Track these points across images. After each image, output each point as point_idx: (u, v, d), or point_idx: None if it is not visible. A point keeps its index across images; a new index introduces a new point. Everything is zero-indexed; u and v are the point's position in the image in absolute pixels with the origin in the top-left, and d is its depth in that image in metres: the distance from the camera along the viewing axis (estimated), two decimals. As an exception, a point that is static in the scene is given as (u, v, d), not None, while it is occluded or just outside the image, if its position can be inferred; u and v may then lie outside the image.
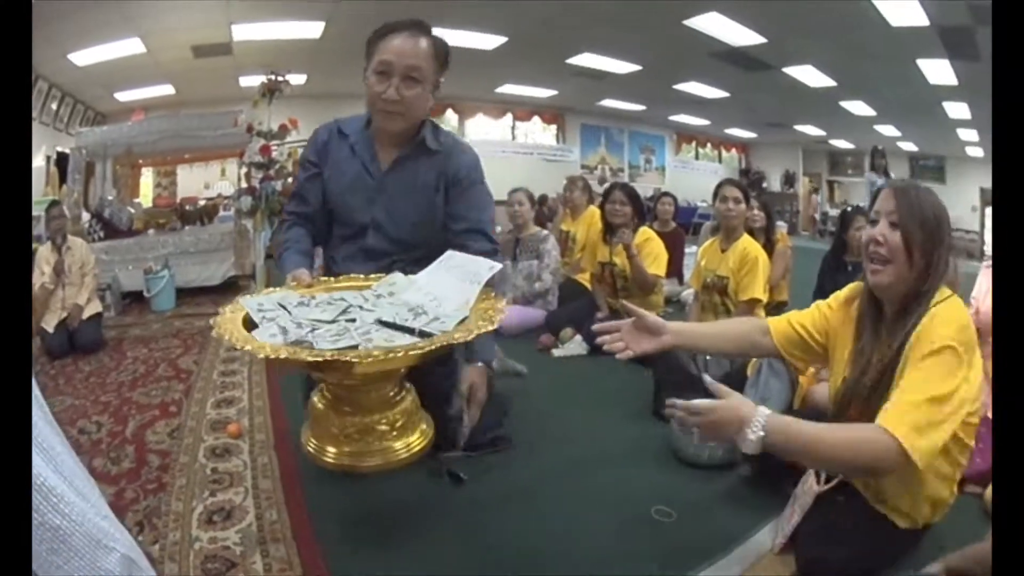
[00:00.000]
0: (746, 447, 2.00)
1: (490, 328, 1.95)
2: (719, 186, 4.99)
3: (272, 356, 1.75)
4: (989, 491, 3.10)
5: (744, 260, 4.70)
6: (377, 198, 2.91)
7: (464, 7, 9.62)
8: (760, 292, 4.67)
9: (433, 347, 1.80)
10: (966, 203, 19.64)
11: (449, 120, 16.44)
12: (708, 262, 4.94)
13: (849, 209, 5.74)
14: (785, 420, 2.01)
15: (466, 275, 2.26)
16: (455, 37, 10.55)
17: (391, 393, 2.07)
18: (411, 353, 1.79)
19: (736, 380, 3.83)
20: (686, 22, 9.92)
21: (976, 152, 19.04)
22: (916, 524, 2.39)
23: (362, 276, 2.54)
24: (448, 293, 2.19)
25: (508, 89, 15.24)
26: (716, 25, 10.06)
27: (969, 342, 2.05)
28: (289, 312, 2.08)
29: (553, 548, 2.69)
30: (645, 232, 5.64)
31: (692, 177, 20.63)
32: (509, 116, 17.18)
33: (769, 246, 5.87)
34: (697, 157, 22.56)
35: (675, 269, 6.99)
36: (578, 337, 5.30)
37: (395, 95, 2.66)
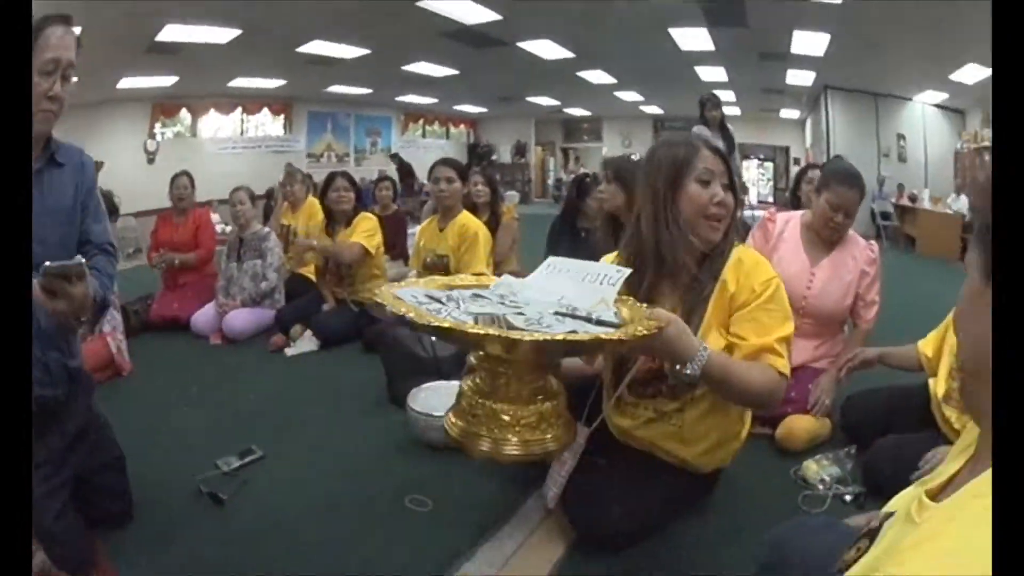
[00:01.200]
0: (688, 369, 2.06)
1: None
2: (432, 167, 5.02)
3: (511, 337, 1.63)
4: (778, 431, 3.42)
5: (463, 237, 4.78)
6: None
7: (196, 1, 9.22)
8: (482, 267, 4.71)
9: (614, 337, 1.75)
10: None
11: (184, 119, 15.70)
12: (427, 242, 4.97)
13: (588, 178, 5.91)
14: (721, 354, 2.19)
15: (588, 277, 2.15)
16: (191, 33, 10.22)
17: (541, 384, 1.94)
18: (599, 339, 1.75)
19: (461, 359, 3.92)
20: (419, 3, 9.84)
21: (731, 111, 20.02)
22: (701, 469, 2.61)
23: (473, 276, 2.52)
24: (574, 294, 2.08)
25: (239, 83, 14.75)
26: (449, 5, 10.04)
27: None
28: (455, 303, 1.97)
29: (316, 551, 2.63)
30: (363, 216, 5.58)
31: (418, 156, 20.32)
32: (239, 110, 16.58)
33: (495, 219, 5.96)
34: (424, 135, 22.61)
35: (399, 251, 7.03)
36: (308, 333, 5.24)
37: (62, 92, 2.22)
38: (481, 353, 1.86)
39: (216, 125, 16.52)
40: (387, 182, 8.18)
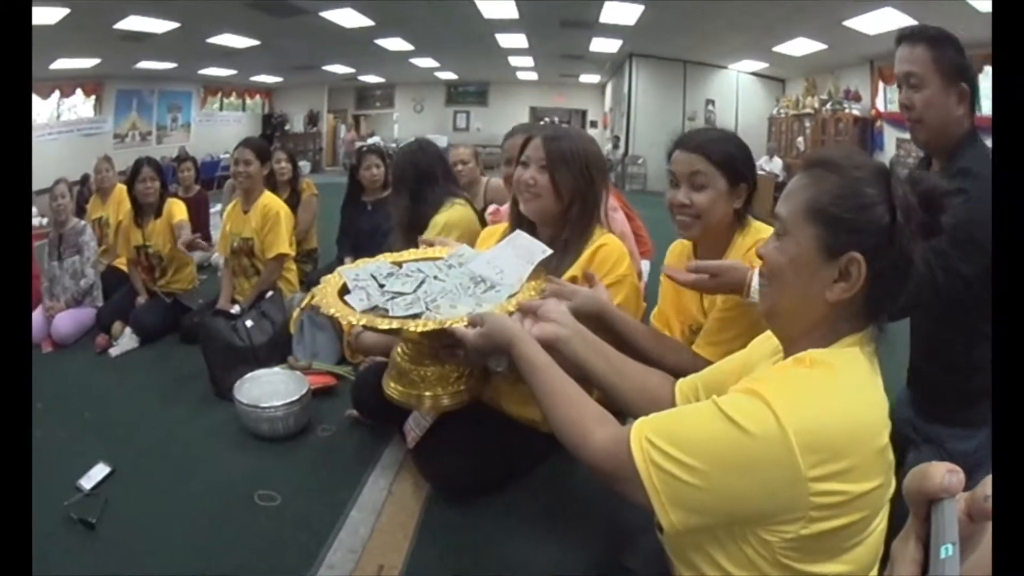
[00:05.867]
0: (496, 365, 2.23)
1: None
2: (235, 149, 4.90)
3: (353, 321, 2.07)
4: None
5: (266, 218, 4.72)
6: None
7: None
8: (285, 247, 4.73)
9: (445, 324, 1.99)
10: (513, 121, 21.37)
11: None
12: (233, 226, 4.87)
13: (364, 149, 5.93)
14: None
15: (524, 255, 2.39)
16: None
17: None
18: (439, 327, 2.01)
19: (284, 338, 4.12)
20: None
21: (528, 76, 21.11)
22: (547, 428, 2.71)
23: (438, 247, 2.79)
24: (508, 268, 2.36)
25: (60, 64, 13.81)
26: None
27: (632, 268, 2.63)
28: (377, 282, 2.38)
29: (192, 563, 2.57)
30: (171, 203, 5.35)
31: (216, 129, 20.21)
32: (57, 93, 15.33)
33: (295, 196, 5.97)
34: (222, 108, 21.73)
35: (203, 233, 6.67)
36: (128, 330, 5.02)
37: None
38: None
39: (36, 111, 15.11)
40: (188, 163, 7.78)
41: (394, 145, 20.14)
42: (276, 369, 3.90)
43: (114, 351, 4.84)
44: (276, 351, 4.19)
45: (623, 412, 1.79)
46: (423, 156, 4.13)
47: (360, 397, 3.39)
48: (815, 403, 1.20)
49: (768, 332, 1.54)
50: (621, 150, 17.76)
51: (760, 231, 2.34)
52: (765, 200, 12.61)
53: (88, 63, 14.41)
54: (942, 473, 0.67)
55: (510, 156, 3.49)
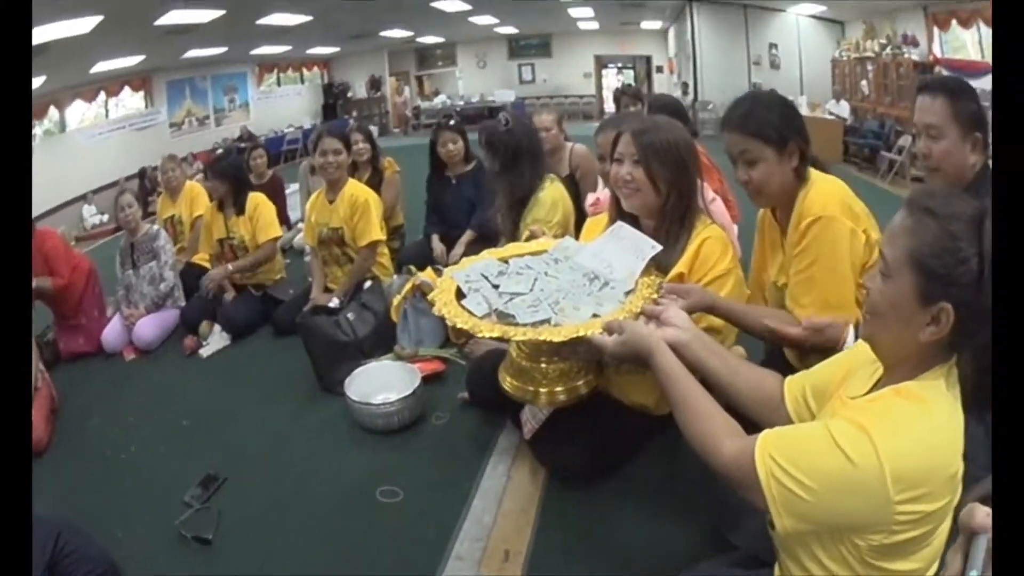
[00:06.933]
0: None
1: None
2: (318, 138, 4.80)
3: (488, 335, 2.16)
4: None
5: (354, 207, 4.69)
6: None
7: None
8: (377, 233, 4.75)
9: (586, 332, 2.07)
10: (578, 71, 22.15)
11: (52, 116, 14.40)
12: (319, 216, 4.82)
13: (442, 122, 6.02)
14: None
15: (632, 249, 2.47)
16: (56, 29, 9.77)
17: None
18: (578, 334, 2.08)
19: (388, 326, 4.13)
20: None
21: (589, 25, 21.05)
22: (660, 412, 2.78)
23: (543, 239, 3.06)
24: (617, 262, 2.45)
25: (101, 67, 13.90)
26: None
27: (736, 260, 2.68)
28: (490, 282, 2.47)
29: (308, 563, 2.65)
30: (253, 199, 5.26)
31: (276, 105, 20.47)
32: (102, 94, 15.43)
33: (377, 176, 5.90)
34: (279, 84, 21.72)
35: (281, 216, 6.61)
36: (217, 328, 4.98)
37: None
38: None
39: (81, 114, 15.42)
40: (258, 151, 7.70)
41: (461, 103, 20.26)
42: (384, 361, 3.90)
43: (205, 352, 4.80)
44: (381, 341, 4.15)
45: (735, 407, 1.89)
46: (518, 135, 4.20)
47: (474, 387, 3.44)
48: (908, 440, 1.37)
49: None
50: (691, 96, 17.51)
51: (817, 183, 2.52)
52: (835, 143, 12.59)
53: (132, 61, 14.53)
54: (982, 515, 1.04)
55: (603, 152, 3.54)
